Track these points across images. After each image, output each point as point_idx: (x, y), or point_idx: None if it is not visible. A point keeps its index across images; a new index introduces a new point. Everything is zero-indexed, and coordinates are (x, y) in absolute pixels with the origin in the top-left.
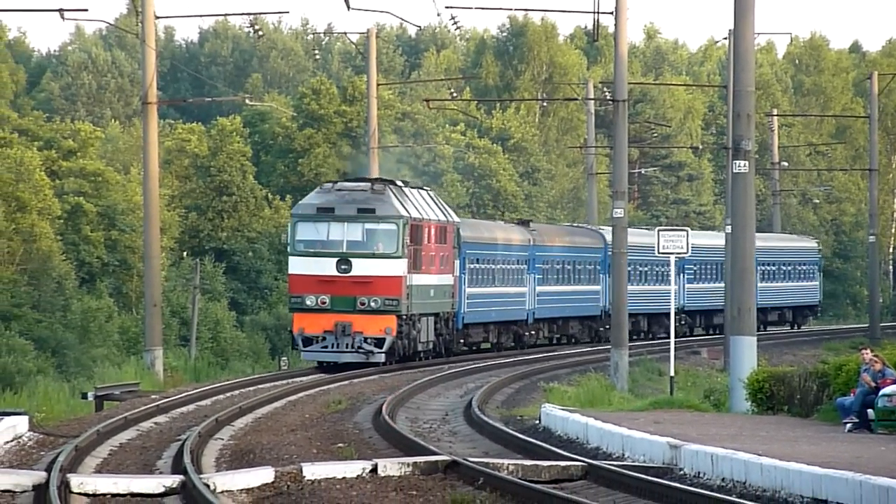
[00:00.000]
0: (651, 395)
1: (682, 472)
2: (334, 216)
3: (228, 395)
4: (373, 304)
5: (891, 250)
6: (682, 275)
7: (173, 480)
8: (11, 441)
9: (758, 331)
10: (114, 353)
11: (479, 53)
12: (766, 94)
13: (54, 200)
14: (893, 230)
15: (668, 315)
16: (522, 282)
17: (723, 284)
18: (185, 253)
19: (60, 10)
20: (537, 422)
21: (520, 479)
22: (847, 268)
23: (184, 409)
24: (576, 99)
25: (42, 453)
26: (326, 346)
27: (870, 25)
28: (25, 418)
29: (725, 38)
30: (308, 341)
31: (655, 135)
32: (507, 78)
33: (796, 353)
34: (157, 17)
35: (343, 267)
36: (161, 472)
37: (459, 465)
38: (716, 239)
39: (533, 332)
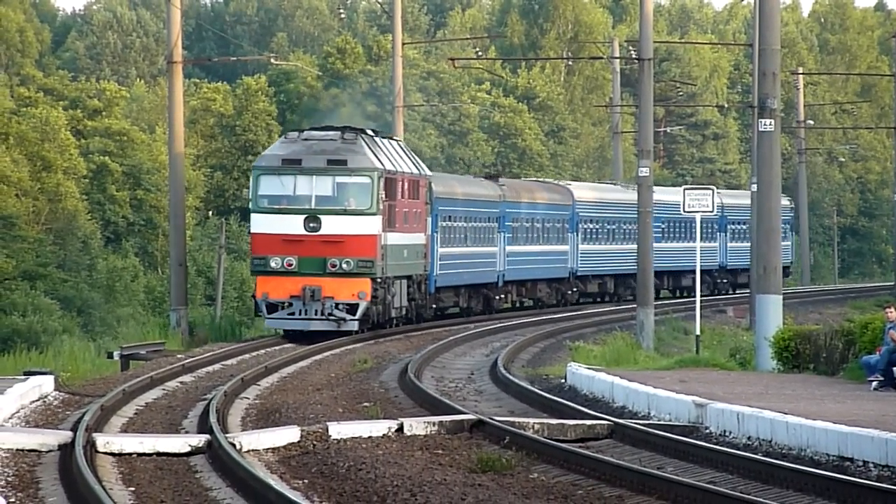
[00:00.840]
0: (677, 353)
1: (707, 431)
2: (301, 168)
3: (254, 354)
4: (345, 265)
5: None
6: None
7: (199, 440)
8: (37, 400)
9: (728, 293)
10: (139, 312)
11: (505, 12)
12: (792, 53)
13: (80, 160)
14: None
15: (710, 272)
16: (493, 241)
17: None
18: (210, 212)
19: None
20: (563, 381)
21: (545, 437)
22: (872, 226)
23: (209, 368)
24: (601, 58)
25: (68, 413)
26: (293, 313)
27: None
28: (51, 378)
29: None
30: (273, 307)
31: (681, 93)
32: (533, 37)
33: (822, 311)
34: None
35: (311, 225)
36: (187, 432)
37: (485, 424)
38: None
39: (503, 296)
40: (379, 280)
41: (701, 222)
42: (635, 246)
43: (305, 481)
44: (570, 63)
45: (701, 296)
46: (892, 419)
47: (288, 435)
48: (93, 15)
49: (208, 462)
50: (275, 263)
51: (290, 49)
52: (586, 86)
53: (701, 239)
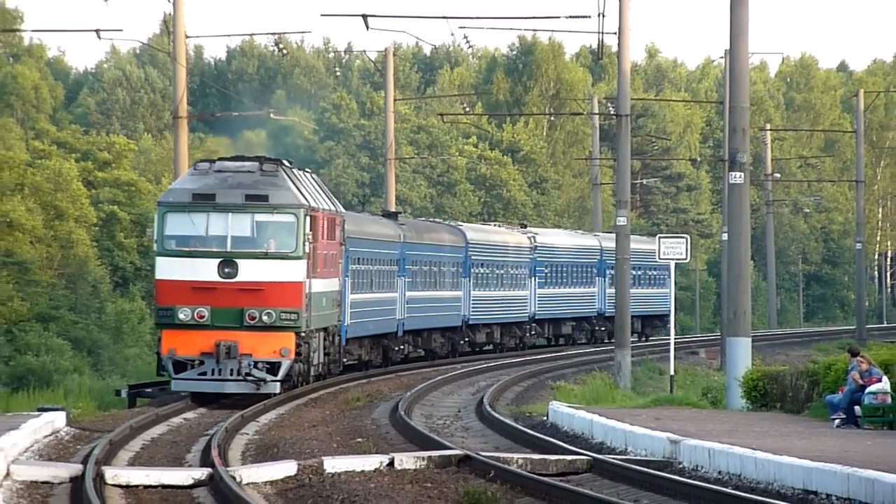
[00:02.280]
0: (652, 392)
1: (681, 466)
2: (215, 205)
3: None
4: (265, 317)
5: (876, 257)
6: (603, 278)
7: (202, 473)
8: (50, 435)
9: (605, 341)
10: (145, 352)
11: (491, 70)
12: (760, 110)
13: (90, 209)
14: (878, 238)
15: (589, 319)
16: (394, 286)
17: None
18: None
19: (97, 31)
20: (545, 418)
21: (529, 472)
22: (836, 273)
23: (211, 405)
24: (581, 113)
25: (78, 447)
26: (204, 373)
27: (856, 46)
28: (63, 414)
29: (721, 58)
30: (180, 366)
31: (656, 147)
32: (517, 93)
33: (788, 353)
34: (188, 37)
35: (227, 270)
36: (190, 465)
37: (472, 459)
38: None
39: (401, 347)
40: (303, 334)
41: (579, 267)
42: (522, 292)
43: None
44: (551, 118)
45: (579, 343)
46: (854, 455)
47: (285, 468)
48: (103, 73)
49: (210, 494)
50: (183, 315)
51: (289, 105)
52: (567, 140)
53: (578, 285)
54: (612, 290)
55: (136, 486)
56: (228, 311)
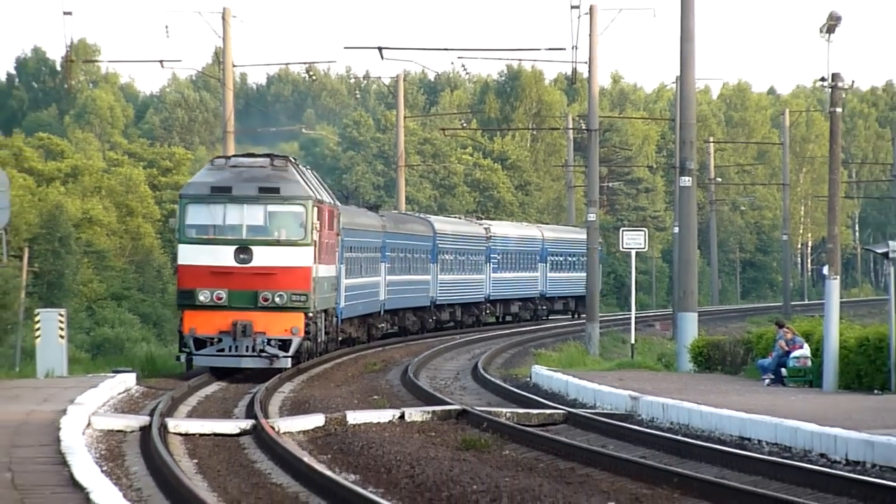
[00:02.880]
0: (616, 358)
1: (640, 418)
2: (231, 197)
3: None
4: (277, 299)
5: (799, 246)
6: (545, 263)
7: (247, 423)
8: (123, 392)
9: (543, 318)
10: None
11: (483, 93)
12: (704, 126)
13: (155, 207)
14: (801, 231)
15: (532, 299)
16: (378, 271)
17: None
18: None
19: (161, 61)
20: (529, 379)
21: (515, 423)
22: (766, 260)
23: (227, 378)
24: (558, 129)
25: (145, 402)
26: (223, 350)
27: (783, 73)
28: (133, 375)
29: (673, 83)
30: (201, 343)
31: (620, 156)
32: (505, 112)
33: (727, 325)
34: (234, 66)
35: (242, 256)
36: (237, 417)
37: (468, 413)
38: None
39: (383, 325)
40: (310, 314)
41: (525, 254)
42: (479, 276)
43: (328, 456)
44: (534, 132)
45: (522, 321)
46: (780, 408)
47: (314, 420)
48: (166, 96)
49: (254, 441)
50: (203, 297)
51: (317, 121)
52: (546, 150)
53: (524, 270)
54: (552, 275)
55: (193, 434)
56: (244, 294)
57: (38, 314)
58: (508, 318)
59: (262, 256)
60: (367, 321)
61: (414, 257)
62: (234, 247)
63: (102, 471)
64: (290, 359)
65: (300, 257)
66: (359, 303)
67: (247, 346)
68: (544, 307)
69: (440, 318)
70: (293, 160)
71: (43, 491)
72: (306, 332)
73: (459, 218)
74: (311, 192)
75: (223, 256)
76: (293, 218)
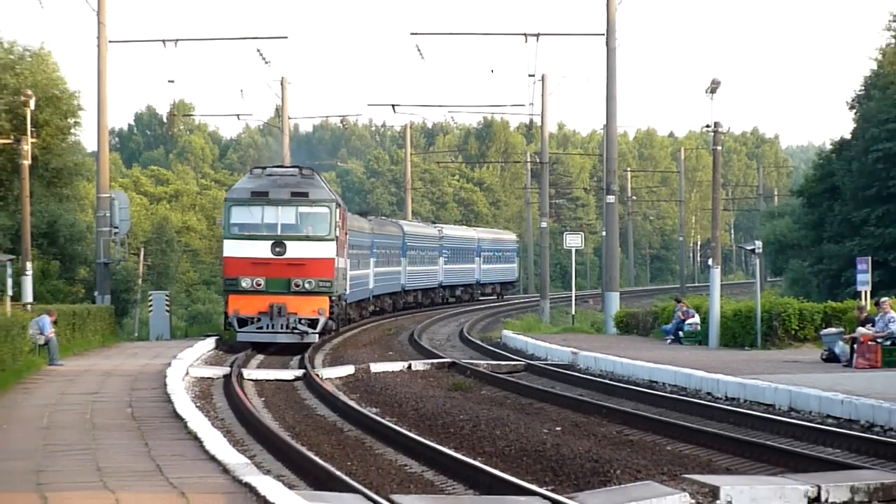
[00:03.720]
0: (562, 325)
1: (579, 367)
2: (268, 200)
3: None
4: (307, 285)
5: (691, 245)
6: (479, 258)
7: (300, 372)
8: (210, 351)
9: (477, 299)
10: None
11: (467, 137)
12: (623, 159)
13: None
14: (693, 233)
15: (471, 285)
16: (369, 265)
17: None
18: None
19: (238, 115)
20: (500, 340)
21: (490, 371)
22: (668, 254)
23: (264, 351)
24: (519, 162)
25: (227, 358)
26: (261, 327)
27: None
28: (216, 338)
29: (602, 129)
30: (243, 322)
31: (563, 181)
32: (482, 150)
33: (640, 301)
34: (290, 118)
35: (277, 249)
36: (293, 368)
37: (457, 364)
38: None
39: (371, 307)
40: (333, 298)
41: (466, 250)
42: (435, 267)
43: (357, 395)
44: (502, 165)
45: (462, 302)
46: (679, 360)
47: (347, 370)
48: (241, 140)
49: (304, 385)
50: (245, 283)
51: (348, 157)
52: (511, 177)
53: (465, 262)
54: (484, 266)
55: (261, 380)
56: (279, 281)
57: (150, 295)
58: (452, 300)
59: (294, 249)
60: (360, 304)
61: (391, 253)
62: (271, 241)
63: (196, 406)
64: (317, 335)
65: (326, 250)
66: (357, 290)
67: (281, 325)
68: (478, 291)
69: (407, 301)
70: (316, 171)
71: (153, 421)
72: (330, 313)
73: (420, 222)
74: (334, 197)
75: (261, 249)
76: (320, 218)
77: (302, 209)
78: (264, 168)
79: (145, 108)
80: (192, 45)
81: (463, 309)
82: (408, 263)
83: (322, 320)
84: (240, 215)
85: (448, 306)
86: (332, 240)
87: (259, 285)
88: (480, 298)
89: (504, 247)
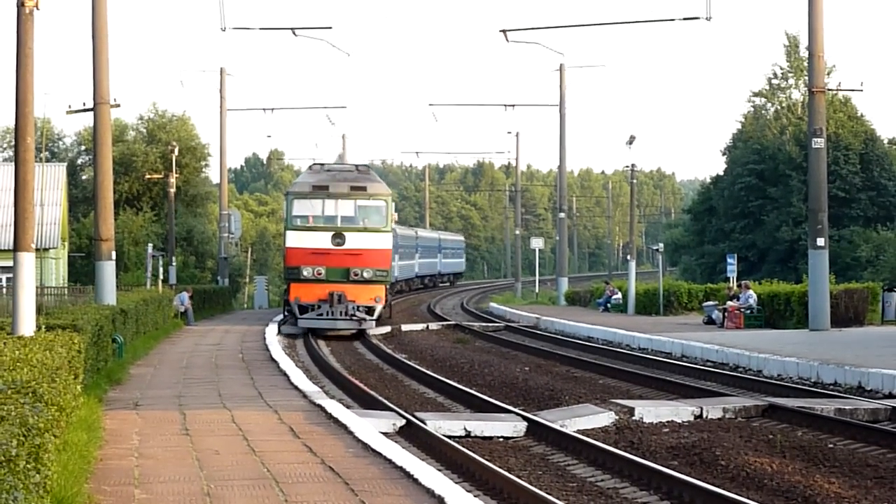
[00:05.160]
0: (530, 299)
1: (541, 327)
2: (328, 193)
3: None
4: (365, 274)
5: (616, 246)
6: (440, 254)
7: (356, 331)
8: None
9: (435, 286)
10: None
11: (466, 173)
12: (571, 189)
13: None
14: (617, 239)
15: (434, 275)
16: (413, 256)
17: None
18: None
19: (313, 158)
20: (488, 309)
21: (480, 329)
22: (601, 253)
23: (322, 338)
24: (502, 190)
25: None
26: (321, 314)
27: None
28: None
29: (556, 167)
30: (303, 309)
31: (531, 203)
32: (476, 182)
33: (582, 284)
34: (348, 161)
35: (337, 240)
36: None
37: (459, 325)
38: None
39: (414, 287)
40: (388, 286)
41: (432, 248)
42: (412, 261)
43: (393, 346)
44: (490, 192)
45: (429, 288)
46: (607, 322)
47: (385, 329)
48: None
49: (360, 341)
50: (306, 272)
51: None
52: (495, 200)
53: (431, 257)
54: (444, 260)
55: (328, 336)
56: (338, 270)
57: (255, 279)
58: (422, 287)
59: (353, 240)
60: (406, 286)
61: (420, 248)
62: (331, 232)
63: (285, 353)
64: (374, 321)
65: (383, 241)
66: (401, 276)
67: (340, 312)
68: (441, 280)
69: (395, 289)
70: (371, 169)
71: (256, 363)
72: (385, 300)
73: (402, 226)
74: (389, 191)
75: (322, 240)
76: (377, 210)
77: (360, 202)
78: (323, 164)
79: (251, 154)
80: (283, 112)
81: (456, 290)
82: (398, 259)
83: (379, 307)
84: (301, 208)
85: (434, 290)
86: (388, 231)
87: (319, 274)
88: (440, 285)
89: (457, 246)
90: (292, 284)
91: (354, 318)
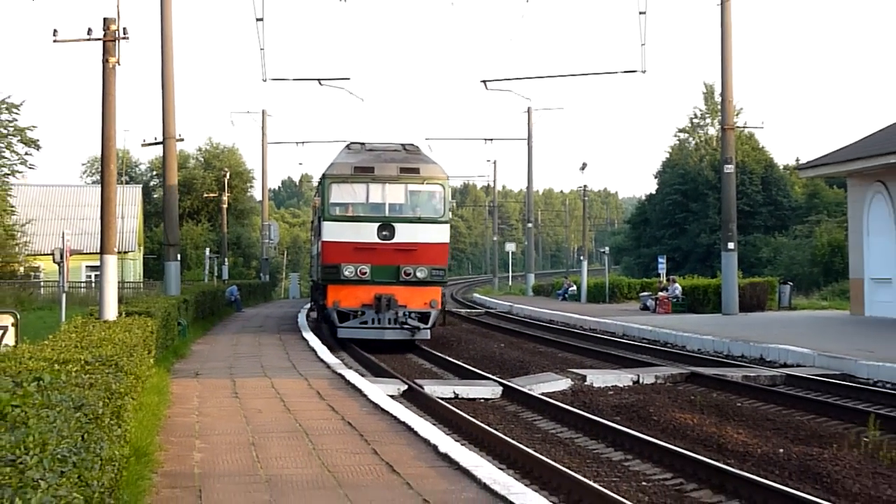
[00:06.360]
0: (505, 291)
1: (514, 312)
2: (374, 176)
3: None
4: (419, 274)
5: (572, 249)
6: None
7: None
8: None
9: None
10: None
11: (455, 193)
12: (536, 204)
13: None
14: (572, 243)
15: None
16: None
17: None
18: None
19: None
20: (474, 299)
21: (465, 315)
22: (559, 254)
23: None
24: (482, 206)
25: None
26: (366, 322)
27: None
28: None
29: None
30: (344, 316)
31: (506, 216)
32: (463, 199)
33: (547, 279)
34: None
35: (384, 233)
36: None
37: (448, 311)
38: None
39: None
40: (445, 287)
41: None
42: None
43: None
44: (473, 207)
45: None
46: (565, 308)
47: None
48: None
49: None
50: (348, 272)
51: None
52: (478, 214)
53: None
54: None
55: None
56: (386, 269)
57: (290, 276)
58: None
59: (404, 233)
60: None
61: None
62: (377, 224)
63: (313, 333)
64: (428, 330)
65: (439, 234)
66: None
67: (389, 319)
68: None
69: None
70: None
71: (290, 341)
72: (441, 304)
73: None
74: (446, 173)
75: (367, 233)
76: (433, 197)
77: (412, 187)
78: (363, 144)
79: (287, 177)
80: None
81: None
82: None
83: (434, 313)
84: (341, 194)
85: None
86: (445, 222)
87: (363, 274)
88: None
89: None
90: (330, 287)
91: (406, 326)
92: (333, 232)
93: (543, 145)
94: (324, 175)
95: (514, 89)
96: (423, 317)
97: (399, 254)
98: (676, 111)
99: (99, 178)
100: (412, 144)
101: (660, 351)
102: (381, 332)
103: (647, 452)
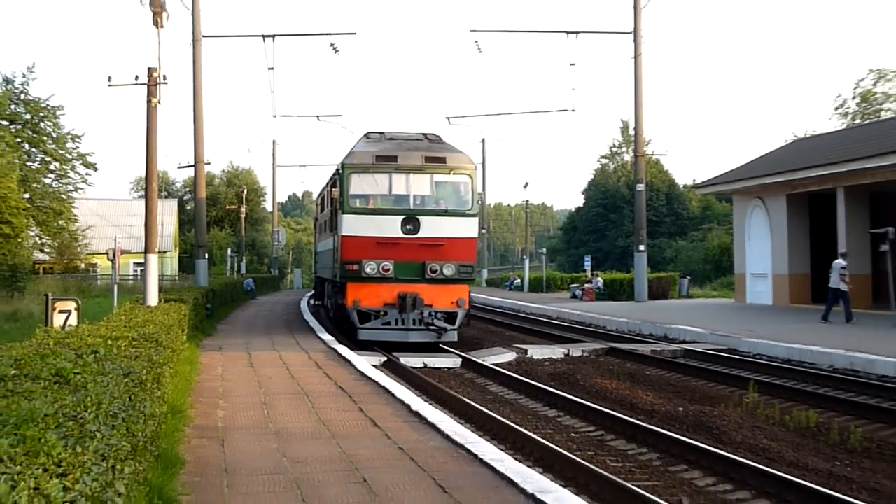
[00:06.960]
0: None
1: (495, 306)
2: (397, 166)
3: None
4: (446, 271)
5: (517, 249)
6: None
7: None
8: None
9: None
10: None
11: None
12: (490, 217)
13: None
14: (518, 246)
15: None
16: None
17: None
18: None
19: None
20: None
21: None
22: (507, 253)
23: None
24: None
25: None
26: (388, 323)
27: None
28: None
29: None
30: (365, 317)
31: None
32: None
33: (496, 274)
34: None
35: (409, 227)
36: None
37: None
38: None
39: None
40: (472, 285)
41: None
42: None
43: None
44: None
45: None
46: (511, 297)
47: None
48: None
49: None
50: (370, 269)
51: None
52: None
53: None
54: None
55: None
56: (411, 265)
57: (293, 270)
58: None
59: (430, 227)
60: None
61: None
62: (401, 217)
63: (314, 316)
64: (455, 332)
65: (467, 228)
66: None
67: (414, 319)
68: None
69: None
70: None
71: (294, 322)
72: (469, 303)
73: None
74: (474, 163)
75: (389, 227)
76: (460, 188)
77: (438, 177)
78: (383, 133)
79: (292, 193)
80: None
81: None
82: None
83: (461, 313)
84: (362, 184)
85: None
86: (473, 215)
87: (386, 271)
88: None
89: None
90: (349, 285)
91: (432, 327)
92: (353, 226)
93: (495, 168)
94: (342, 164)
95: (471, 124)
96: (450, 317)
97: (424, 249)
98: (599, 141)
99: (143, 193)
100: (434, 133)
101: (585, 330)
102: (406, 333)
103: (575, 410)
